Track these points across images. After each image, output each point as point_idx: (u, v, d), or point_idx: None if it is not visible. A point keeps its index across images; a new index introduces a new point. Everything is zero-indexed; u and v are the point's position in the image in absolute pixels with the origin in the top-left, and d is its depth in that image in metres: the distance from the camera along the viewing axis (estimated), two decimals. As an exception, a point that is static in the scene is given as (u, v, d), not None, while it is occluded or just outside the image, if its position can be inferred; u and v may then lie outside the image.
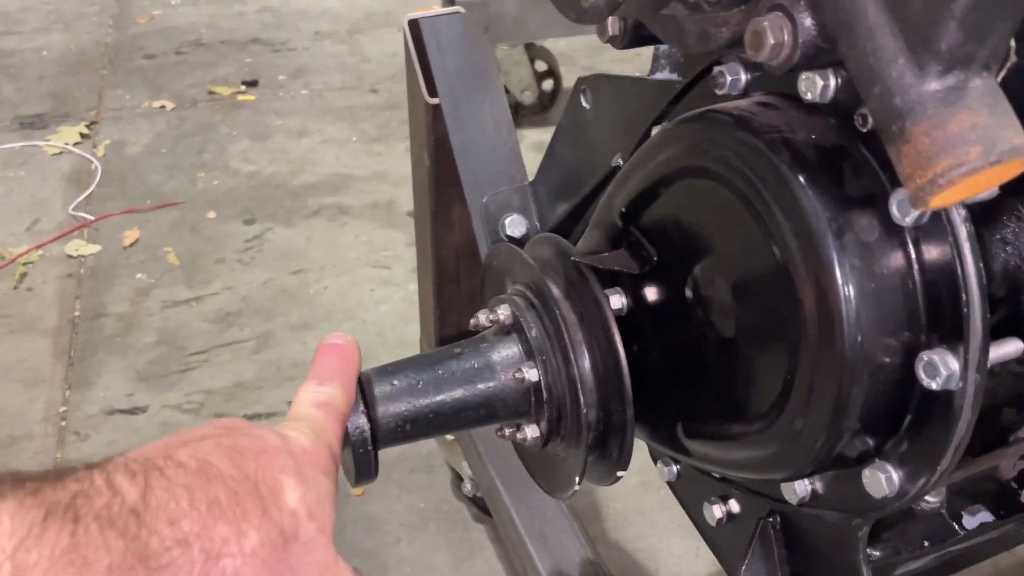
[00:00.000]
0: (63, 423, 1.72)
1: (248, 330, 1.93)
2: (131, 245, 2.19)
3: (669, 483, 0.80)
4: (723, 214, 0.60)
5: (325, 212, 2.30)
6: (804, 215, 0.53)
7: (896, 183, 0.51)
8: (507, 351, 0.69)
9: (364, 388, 0.63)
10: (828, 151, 0.55)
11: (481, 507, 1.47)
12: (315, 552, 0.47)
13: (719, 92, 0.64)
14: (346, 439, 0.60)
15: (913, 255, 0.53)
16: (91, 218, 2.26)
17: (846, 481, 0.61)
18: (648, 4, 0.53)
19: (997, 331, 0.59)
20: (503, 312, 0.71)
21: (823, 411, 0.56)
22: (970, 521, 0.78)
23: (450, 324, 1.34)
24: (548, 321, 0.68)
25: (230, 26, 3.21)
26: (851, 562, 0.64)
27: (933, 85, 0.43)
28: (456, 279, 1.32)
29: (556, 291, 0.69)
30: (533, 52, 2.49)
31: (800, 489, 0.64)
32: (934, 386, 0.53)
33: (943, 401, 0.54)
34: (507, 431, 0.71)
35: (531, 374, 0.67)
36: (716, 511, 0.74)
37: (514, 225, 0.98)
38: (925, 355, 0.53)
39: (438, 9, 1.11)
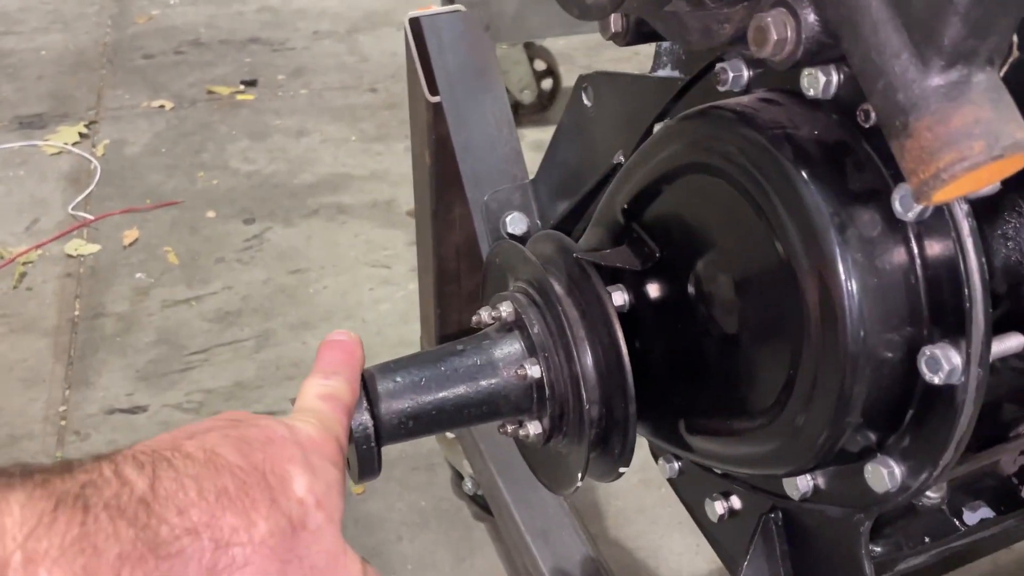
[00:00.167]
0: (63, 422, 1.72)
1: (248, 329, 1.93)
2: (131, 245, 2.19)
3: (670, 480, 0.80)
4: (726, 210, 0.60)
5: (324, 211, 2.30)
6: (807, 210, 0.53)
7: (898, 178, 0.52)
8: (509, 348, 0.69)
9: (367, 385, 0.64)
10: (831, 147, 0.55)
11: (482, 505, 1.47)
12: (323, 541, 0.47)
13: (721, 89, 0.64)
14: (349, 436, 0.60)
15: (915, 250, 0.53)
16: (90, 218, 2.26)
17: (848, 476, 0.61)
18: (651, 1, 0.53)
19: (998, 326, 0.59)
20: (505, 309, 0.71)
21: (826, 406, 0.56)
22: (971, 517, 0.78)
23: (451, 323, 1.34)
24: (550, 318, 0.68)
25: (229, 26, 3.21)
26: (853, 557, 0.64)
27: (936, 80, 0.43)
28: (457, 278, 1.32)
29: (558, 288, 0.69)
30: (532, 51, 2.49)
31: (802, 484, 0.64)
32: (936, 381, 0.53)
33: (945, 396, 0.54)
34: (509, 428, 0.71)
35: (533, 371, 0.68)
36: (718, 507, 0.74)
37: (515, 223, 0.98)
38: (927, 350, 0.53)
39: (439, 8, 1.11)
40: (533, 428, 0.70)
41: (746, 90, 0.63)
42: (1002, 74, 0.45)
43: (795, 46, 0.50)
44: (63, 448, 1.67)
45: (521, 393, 0.68)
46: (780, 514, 0.71)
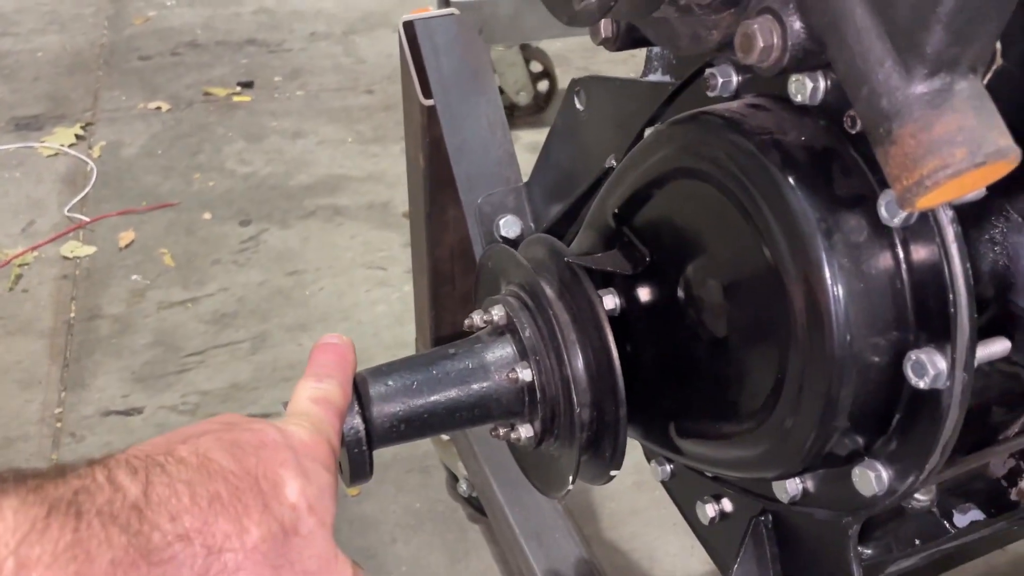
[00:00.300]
0: (59, 424, 1.72)
1: (244, 331, 1.93)
2: (127, 246, 2.19)
3: (663, 482, 0.81)
4: (714, 215, 0.61)
5: (321, 213, 2.30)
6: (793, 216, 0.54)
7: (885, 184, 0.52)
8: (501, 351, 0.70)
9: (359, 388, 0.64)
10: (818, 153, 0.55)
11: (476, 507, 1.48)
12: (315, 546, 0.47)
13: (711, 94, 0.64)
14: (341, 439, 0.61)
15: (901, 255, 0.53)
16: (86, 219, 2.26)
17: (836, 480, 0.61)
18: (640, 7, 0.53)
19: (986, 330, 0.60)
20: (497, 312, 0.71)
21: (813, 410, 0.56)
22: (961, 519, 0.78)
23: (446, 325, 1.35)
24: (542, 321, 0.69)
25: (226, 27, 3.21)
26: (842, 560, 0.65)
27: (919, 87, 0.43)
28: (451, 280, 1.33)
29: (550, 291, 0.69)
30: (528, 53, 2.50)
31: (791, 488, 0.65)
32: (922, 385, 0.53)
33: (931, 400, 0.54)
34: (501, 431, 0.72)
35: (525, 374, 0.68)
36: (709, 510, 0.75)
37: (509, 226, 0.98)
38: (913, 354, 0.53)
39: (432, 11, 1.12)
40: (524, 431, 0.70)
41: (735, 95, 0.64)
42: (985, 81, 0.45)
43: (781, 53, 0.50)
44: (58, 450, 1.67)
45: (512, 396, 0.69)
46: (770, 517, 0.72)
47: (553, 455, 0.72)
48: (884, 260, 0.53)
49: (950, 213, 0.52)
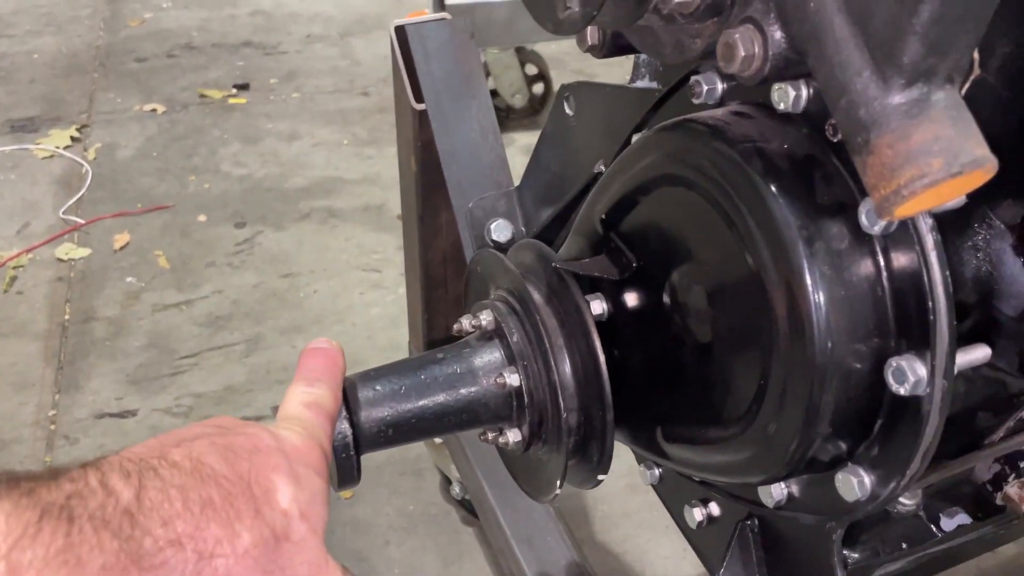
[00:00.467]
0: (52, 427, 1.72)
1: (238, 333, 1.93)
2: (121, 248, 2.19)
3: (653, 486, 0.81)
4: (699, 222, 0.61)
5: (316, 215, 2.30)
6: (775, 223, 0.54)
7: (865, 192, 0.52)
8: (489, 356, 0.70)
9: (347, 393, 0.64)
10: (800, 161, 0.56)
11: (470, 510, 1.48)
12: (306, 552, 0.47)
13: (696, 101, 0.65)
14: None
15: (882, 263, 0.54)
16: (81, 221, 2.26)
17: (820, 485, 0.62)
18: (623, 15, 0.54)
19: (969, 336, 0.60)
20: (485, 318, 0.71)
21: (795, 416, 0.57)
22: (948, 523, 0.79)
23: (438, 328, 1.35)
24: (529, 326, 0.69)
25: (222, 29, 3.21)
26: (826, 564, 0.65)
27: (897, 98, 0.44)
28: (444, 283, 1.33)
29: (537, 297, 0.70)
30: (523, 56, 2.50)
31: (776, 493, 0.65)
32: (902, 391, 0.54)
33: (912, 406, 0.55)
34: (490, 435, 0.72)
35: (513, 379, 0.68)
36: (697, 514, 0.75)
37: (500, 230, 0.98)
38: (894, 361, 0.54)
39: (424, 15, 1.12)
40: (513, 436, 0.70)
41: (720, 102, 0.64)
42: (963, 92, 0.46)
43: (762, 62, 0.51)
44: (52, 452, 1.67)
45: (500, 401, 0.69)
46: (756, 521, 0.72)
47: (541, 459, 0.72)
48: (865, 267, 0.54)
49: (929, 221, 0.53)
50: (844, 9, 0.45)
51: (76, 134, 2.61)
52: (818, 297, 0.53)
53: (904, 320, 0.54)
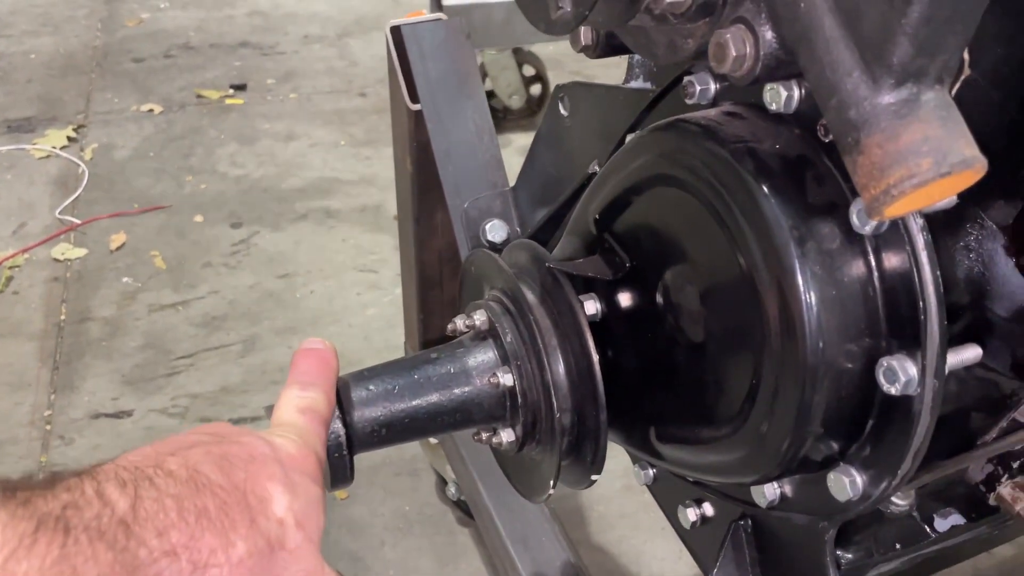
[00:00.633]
0: (48, 427, 1.72)
1: (234, 334, 1.93)
2: (118, 249, 2.19)
3: (647, 486, 0.81)
4: (691, 222, 0.61)
5: (312, 216, 2.30)
6: (767, 223, 0.54)
7: (856, 192, 0.52)
8: (483, 356, 0.70)
9: (340, 393, 0.64)
10: (792, 161, 0.56)
11: (465, 511, 1.48)
12: (301, 560, 0.48)
13: (689, 102, 0.65)
14: (324, 447, 0.61)
15: (873, 263, 0.54)
16: (78, 222, 2.26)
17: (812, 485, 0.62)
18: (615, 15, 0.54)
19: (961, 336, 0.60)
20: (479, 318, 0.71)
21: (787, 415, 0.57)
22: (941, 524, 0.79)
23: (434, 328, 1.35)
24: (523, 326, 0.69)
25: (219, 29, 3.21)
26: (819, 564, 0.65)
27: (886, 98, 0.44)
28: (439, 283, 1.33)
29: (531, 297, 0.70)
30: (521, 57, 2.50)
31: (769, 492, 0.65)
32: (893, 391, 0.54)
33: (903, 406, 0.55)
34: (483, 435, 0.72)
35: (506, 379, 0.68)
36: (690, 514, 0.75)
37: (495, 230, 0.99)
38: (885, 361, 0.54)
39: (420, 16, 1.12)
40: (506, 436, 0.70)
41: (714, 103, 0.64)
42: (953, 92, 0.46)
43: (754, 62, 0.51)
44: (48, 453, 1.67)
45: (494, 401, 0.69)
46: (750, 521, 0.72)
47: (535, 459, 0.72)
48: (856, 267, 0.54)
49: (920, 221, 0.53)
50: (834, 9, 0.45)
51: (73, 134, 2.61)
52: (809, 297, 0.53)
53: (895, 320, 0.54)
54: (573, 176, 0.86)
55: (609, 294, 0.71)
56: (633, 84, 0.77)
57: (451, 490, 1.51)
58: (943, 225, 0.60)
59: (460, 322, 0.73)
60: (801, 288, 0.53)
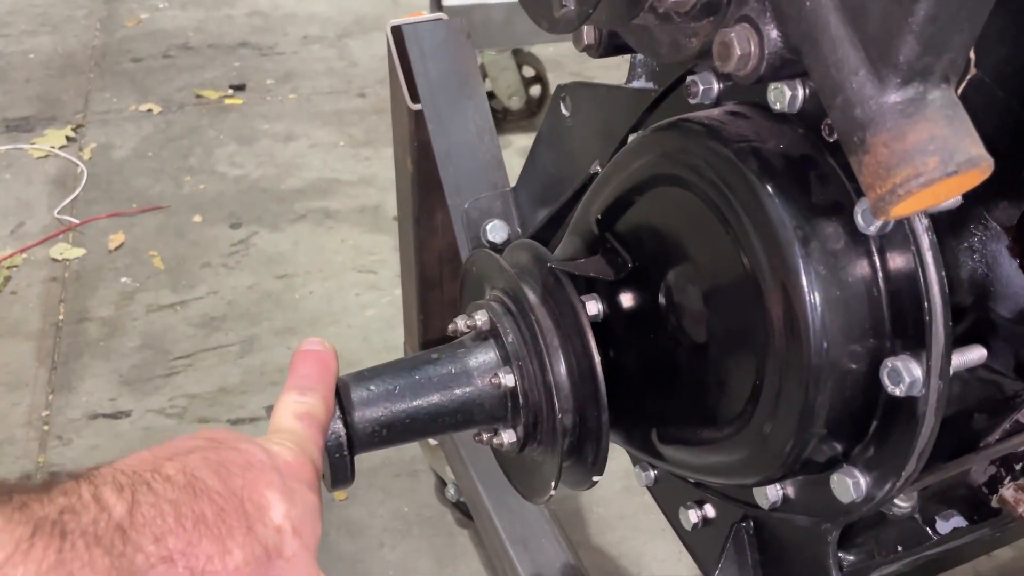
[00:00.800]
0: (46, 427, 1.71)
1: (233, 334, 1.93)
2: (116, 249, 2.18)
3: (648, 487, 0.81)
4: (694, 222, 0.61)
5: (312, 216, 2.30)
6: (771, 223, 0.54)
7: (861, 192, 0.52)
8: (484, 356, 0.70)
9: (341, 393, 0.64)
10: (796, 160, 0.56)
11: (465, 512, 1.47)
12: (298, 568, 0.47)
13: (692, 101, 0.64)
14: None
15: (878, 263, 0.54)
16: (76, 221, 2.26)
17: (815, 486, 0.61)
18: (619, 14, 0.54)
19: (965, 337, 0.60)
20: (480, 318, 0.71)
21: (790, 416, 0.56)
22: (943, 526, 0.79)
23: (434, 329, 1.35)
24: (524, 327, 0.69)
25: (218, 30, 3.21)
26: (821, 566, 0.65)
27: (892, 97, 0.44)
28: (439, 284, 1.33)
29: (532, 297, 0.69)
30: (521, 58, 2.50)
31: (771, 494, 0.65)
32: (898, 392, 0.53)
33: (907, 407, 0.54)
34: (484, 436, 0.72)
35: (507, 379, 0.68)
36: (692, 516, 0.75)
37: (495, 231, 0.98)
38: (889, 362, 0.53)
39: (421, 16, 1.12)
40: (507, 436, 0.70)
41: (717, 102, 0.64)
42: (959, 91, 0.46)
43: (759, 61, 0.51)
44: (45, 453, 1.66)
45: (495, 402, 0.69)
46: (752, 523, 0.72)
47: (536, 460, 0.72)
48: (861, 268, 0.54)
49: (925, 221, 0.53)
50: (840, 8, 0.45)
51: (71, 134, 2.61)
52: (814, 297, 0.53)
53: (900, 321, 0.54)
54: (574, 176, 0.86)
55: (611, 294, 0.70)
56: (635, 84, 0.76)
57: (450, 491, 1.51)
58: (947, 226, 0.59)
59: (461, 322, 0.73)
60: (805, 288, 0.53)
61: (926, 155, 0.43)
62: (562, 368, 0.67)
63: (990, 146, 0.45)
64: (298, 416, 0.56)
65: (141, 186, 2.40)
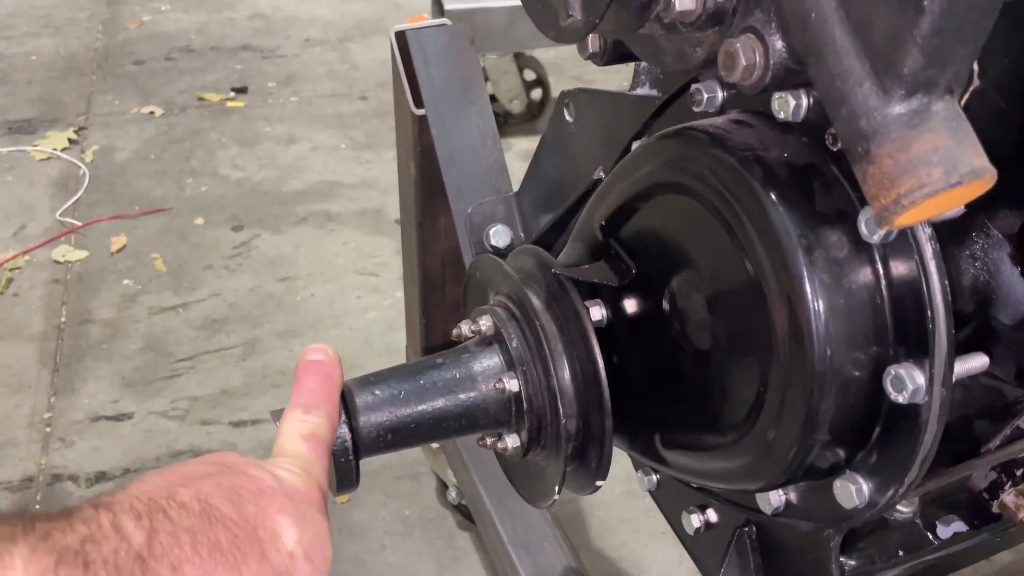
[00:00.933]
0: (48, 429, 1.72)
1: (235, 337, 1.93)
2: (118, 251, 2.18)
3: (650, 492, 0.81)
4: (698, 229, 0.61)
5: (313, 219, 2.30)
6: (775, 232, 0.55)
7: (865, 201, 0.53)
8: (488, 361, 0.70)
9: (345, 398, 0.64)
10: (800, 169, 0.56)
11: (466, 515, 1.48)
12: None
13: (696, 109, 0.65)
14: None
15: (881, 272, 0.54)
16: (78, 224, 2.26)
17: (818, 492, 0.62)
18: (625, 24, 0.54)
19: (967, 345, 0.61)
20: (485, 323, 0.71)
21: (794, 423, 0.57)
22: (944, 531, 0.79)
23: (436, 332, 1.35)
24: (529, 332, 0.69)
25: (220, 32, 3.21)
26: (824, 571, 0.65)
27: (897, 108, 0.44)
28: (442, 287, 1.33)
29: (537, 302, 0.70)
30: (522, 61, 2.51)
31: (774, 499, 0.65)
32: (901, 400, 0.54)
33: (910, 414, 0.55)
34: (488, 440, 0.72)
35: (512, 384, 0.68)
36: (694, 520, 0.75)
37: (498, 235, 0.99)
38: (892, 369, 0.54)
39: (424, 21, 1.12)
40: (511, 441, 0.71)
41: (721, 111, 0.64)
42: (963, 103, 0.46)
43: (763, 71, 0.51)
44: (47, 455, 1.67)
45: (500, 406, 0.69)
46: (754, 528, 0.72)
47: (540, 465, 0.72)
48: (864, 276, 0.54)
49: (928, 230, 0.53)
50: (845, 20, 0.45)
51: (73, 136, 2.61)
52: (817, 305, 0.53)
53: (903, 329, 0.54)
54: (578, 182, 0.86)
55: (615, 300, 0.71)
56: (639, 91, 0.77)
57: (452, 494, 1.51)
58: (949, 234, 0.60)
59: (465, 327, 0.73)
60: (809, 296, 0.53)
61: (930, 166, 0.43)
62: (566, 373, 0.67)
63: (992, 156, 0.46)
64: (304, 437, 0.56)
65: (143, 188, 2.40)
